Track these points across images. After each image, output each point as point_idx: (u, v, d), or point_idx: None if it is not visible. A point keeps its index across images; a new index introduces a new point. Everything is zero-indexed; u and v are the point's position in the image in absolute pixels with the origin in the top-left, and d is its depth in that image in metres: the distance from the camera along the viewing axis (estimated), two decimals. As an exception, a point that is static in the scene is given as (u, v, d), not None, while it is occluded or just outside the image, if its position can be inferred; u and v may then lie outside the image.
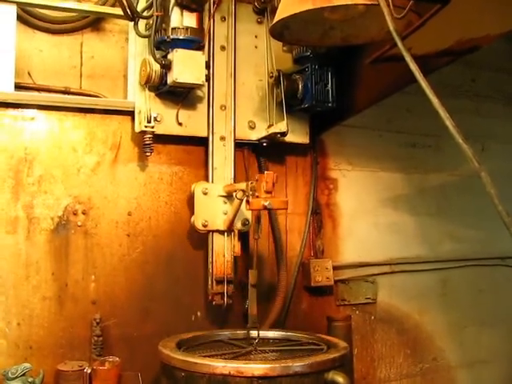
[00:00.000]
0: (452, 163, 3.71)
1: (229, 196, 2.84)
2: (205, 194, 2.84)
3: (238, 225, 2.87)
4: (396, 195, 3.66)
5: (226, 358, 2.31)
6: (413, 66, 1.58)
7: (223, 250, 2.87)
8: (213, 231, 2.85)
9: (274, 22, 2.09)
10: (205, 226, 2.82)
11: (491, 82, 3.99)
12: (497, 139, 3.99)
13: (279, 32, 2.24)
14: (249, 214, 2.88)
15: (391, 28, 1.69)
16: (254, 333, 2.62)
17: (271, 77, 3.07)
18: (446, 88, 3.73)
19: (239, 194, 2.64)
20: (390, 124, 3.61)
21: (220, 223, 2.84)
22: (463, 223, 3.87)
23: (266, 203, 2.43)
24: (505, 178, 3.81)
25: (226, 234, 2.87)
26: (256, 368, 2.12)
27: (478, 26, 2.17)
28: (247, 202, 2.51)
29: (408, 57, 1.60)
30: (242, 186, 2.63)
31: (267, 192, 2.45)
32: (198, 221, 2.82)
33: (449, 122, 1.44)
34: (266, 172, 2.49)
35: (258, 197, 2.47)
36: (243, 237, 2.95)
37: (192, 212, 2.86)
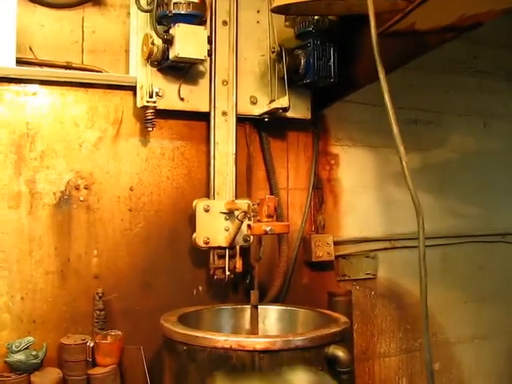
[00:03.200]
0: (454, 140, 3.70)
1: (230, 213, 2.83)
2: (206, 211, 2.82)
3: (240, 241, 2.87)
4: (397, 171, 3.60)
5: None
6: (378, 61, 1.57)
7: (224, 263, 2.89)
8: (214, 248, 2.85)
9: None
10: (206, 242, 2.81)
11: (494, 58, 3.97)
12: (499, 116, 3.97)
13: (285, 7, 2.24)
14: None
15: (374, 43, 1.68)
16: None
17: (273, 52, 3.05)
18: (448, 65, 3.71)
19: (240, 216, 2.65)
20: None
21: (222, 240, 2.83)
22: (464, 200, 3.87)
23: (268, 228, 2.40)
24: (506, 154, 3.84)
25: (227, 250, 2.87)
26: (257, 342, 2.14)
27: (481, 2, 2.15)
28: (248, 226, 2.50)
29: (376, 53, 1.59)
30: (244, 205, 2.64)
31: (269, 216, 2.43)
32: (199, 238, 2.80)
33: (399, 142, 1.39)
34: (267, 196, 2.47)
35: (259, 220, 2.45)
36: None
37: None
